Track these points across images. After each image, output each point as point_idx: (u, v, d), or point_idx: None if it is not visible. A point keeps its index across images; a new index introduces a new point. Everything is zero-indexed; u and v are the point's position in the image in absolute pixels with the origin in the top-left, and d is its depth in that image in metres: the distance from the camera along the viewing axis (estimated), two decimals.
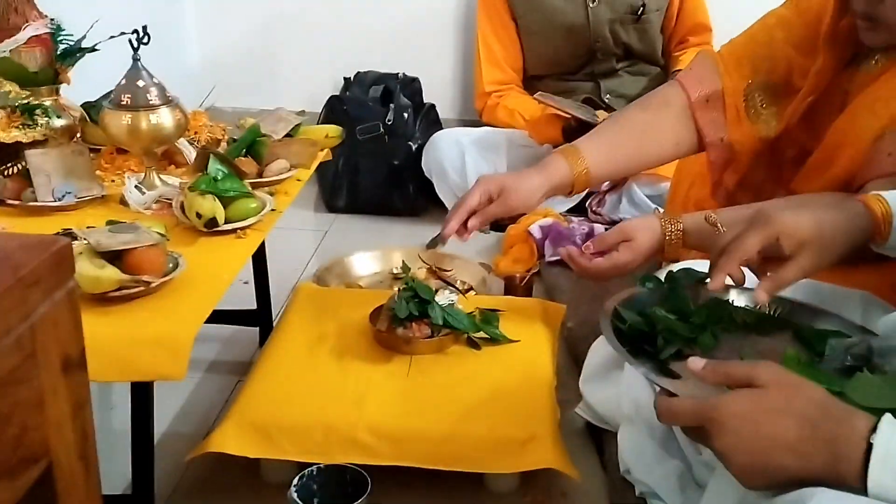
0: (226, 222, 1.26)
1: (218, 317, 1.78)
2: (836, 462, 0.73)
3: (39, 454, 0.56)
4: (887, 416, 0.74)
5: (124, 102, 1.33)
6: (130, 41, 1.32)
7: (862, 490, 0.71)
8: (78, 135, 1.54)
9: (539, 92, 2.40)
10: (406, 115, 2.55)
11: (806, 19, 1.41)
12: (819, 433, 0.74)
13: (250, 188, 1.34)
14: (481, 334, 1.50)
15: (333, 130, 1.65)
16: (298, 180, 1.49)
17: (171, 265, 1.13)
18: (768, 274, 0.99)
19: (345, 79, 2.78)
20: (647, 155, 1.49)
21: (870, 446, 0.72)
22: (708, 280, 1.02)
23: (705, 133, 1.47)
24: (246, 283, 1.87)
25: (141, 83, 1.33)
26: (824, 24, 1.35)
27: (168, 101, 1.35)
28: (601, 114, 2.31)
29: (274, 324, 1.77)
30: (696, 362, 0.85)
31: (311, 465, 1.20)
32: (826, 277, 1.28)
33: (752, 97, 1.45)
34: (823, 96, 1.37)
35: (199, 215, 1.24)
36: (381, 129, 2.51)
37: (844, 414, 0.76)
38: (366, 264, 2.06)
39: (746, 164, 1.46)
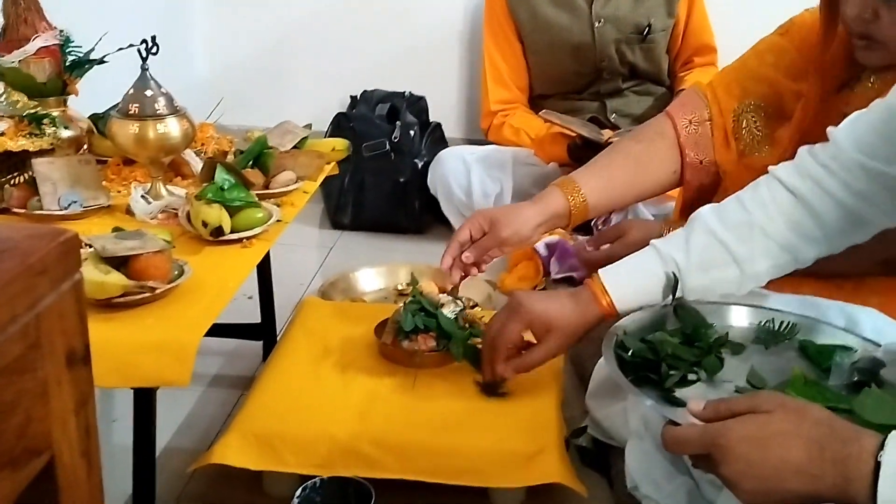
0: (232, 232, 1.26)
1: (221, 330, 1.78)
2: (846, 482, 0.73)
3: (42, 447, 0.55)
4: (894, 434, 0.73)
5: (132, 111, 1.33)
6: (139, 50, 1.33)
7: None
8: (85, 146, 1.54)
9: (544, 109, 2.40)
10: (412, 132, 2.56)
11: (798, 45, 1.42)
12: (827, 454, 0.74)
13: (257, 198, 1.33)
14: None
15: (340, 144, 1.66)
16: (305, 192, 1.49)
17: (176, 272, 1.12)
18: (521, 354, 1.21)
19: (351, 97, 2.79)
20: (643, 184, 1.48)
21: (878, 464, 0.71)
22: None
23: (685, 153, 1.48)
24: (250, 297, 1.87)
25: (149, 93, 1.33)
26: (815, 50, 1.36)
27: (176, 110, 1.35)
28: (606, 132, 2.31)
29: (278, 338, 1.76)
30: (695, 405, 0.84)
31: (314, 478, 1.18)
32: (837, 295, 1.27)
33: (743, 118, 1.46)
34: (819, 119, 1.37)
35: (204, 224, 1.23)
36: (387, 147, 2.52)
37: (852, 434, 0.76)
38: (370, 280, 2.05)
39: (732, 189, 1.46)
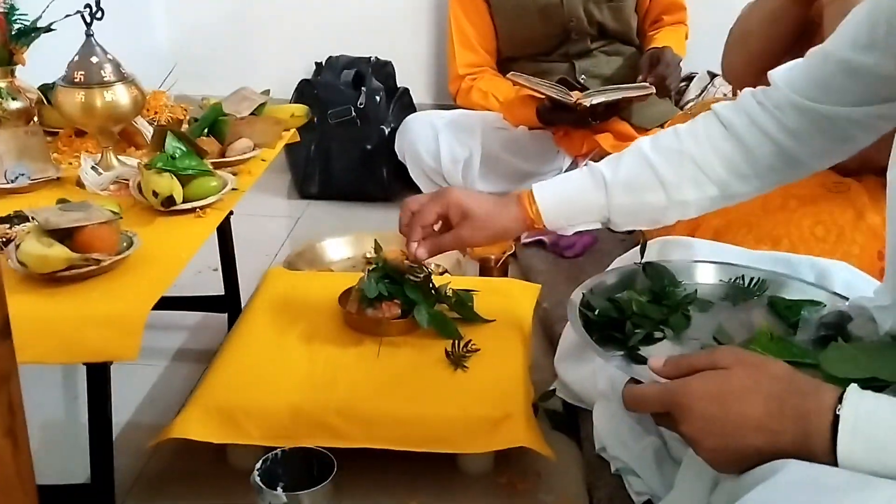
0: (184, 201, 1.22)
1: (185, 303, 1.75)
2: (806, 437, 0.71)
3: None
4: (853, 387, 0.72)
5: (77, 80, 1.28)
6: (83, 16, 1.28)
7: (832, 463, 0.70)
8: (35, 118, 1.50)
9: (513, 72, 2.36)
10: (378, 98, 2.51)
11: None
12: (786, 409, 0.73)
13: (210, 167, 1.29)
14: (455, 314, 1.46)
15: (299, 110, 1.62)
16: (263, 160, 1.45)
17: (124, 244, 1.09)
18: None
19: (316, 63, 2.74)
20: None
21: (837, 418, 0.70)
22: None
23: None
24: (216, 270, 1.83)
25: (94, 59, 1.29)
26: None
27: (123, 77, 1.31)
28: (575, 94, 2.28)
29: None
30: (656, 361, 0.82)
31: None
32: (818, 248, 1.26)
33: None
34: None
35: (155, 194, 1.20)
36: (353, 113, 2.47)
37: (811, 387, 0.74)
38: (338, 249, 2.02)
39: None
